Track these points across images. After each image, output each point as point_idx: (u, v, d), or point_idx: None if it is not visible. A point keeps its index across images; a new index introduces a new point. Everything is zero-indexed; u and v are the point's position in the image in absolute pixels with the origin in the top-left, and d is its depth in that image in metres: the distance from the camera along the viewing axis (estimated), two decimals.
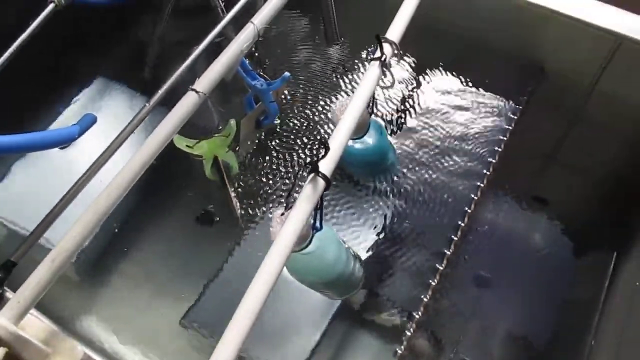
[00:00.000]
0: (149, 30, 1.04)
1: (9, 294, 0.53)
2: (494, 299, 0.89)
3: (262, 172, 0.84)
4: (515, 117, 0.84)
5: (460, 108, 0.88)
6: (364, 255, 0.76)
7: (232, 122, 0.79)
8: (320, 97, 0.91)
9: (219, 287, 0.77)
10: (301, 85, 0.92)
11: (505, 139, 0.82)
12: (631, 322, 0.71)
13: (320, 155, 0.48)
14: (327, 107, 0.89)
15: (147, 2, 1.04)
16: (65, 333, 0.50)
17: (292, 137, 0.86)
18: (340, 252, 0.64)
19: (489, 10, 0.84)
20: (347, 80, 0.92)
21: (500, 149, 0.81)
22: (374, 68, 0.57)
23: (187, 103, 0.54)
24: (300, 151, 0.85)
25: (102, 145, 0.61)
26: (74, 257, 0.45)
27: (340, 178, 0.82)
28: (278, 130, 0.87)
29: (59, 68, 1.03)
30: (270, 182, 0.83)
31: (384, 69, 0.57)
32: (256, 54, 0.85)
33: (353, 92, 0.78)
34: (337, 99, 0.90)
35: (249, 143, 0.85)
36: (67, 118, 1.01)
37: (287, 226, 0.44)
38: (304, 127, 0.87)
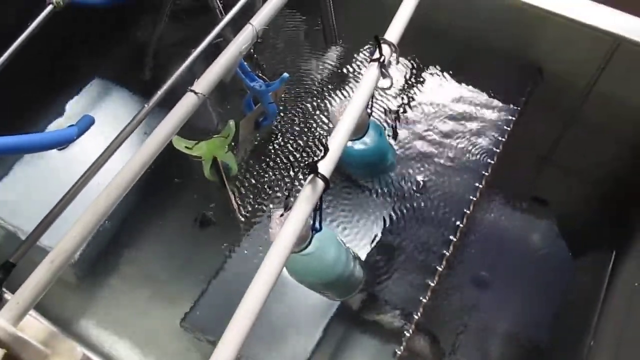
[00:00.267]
0: (148, 31, 1.04)
1: (7, 295, 0.53)
2: (492, 299, 0.89)
3: (262, 173, 0.84)
4: (514, 118, 0.84)
5: (458, 109, 0.88)
6: (363, 256, 0.76)
7: (231, 122, 0.79)
8: (319, 98, 0.91)
9: (219, 288, 0.77)
10: (300, 87, 0.92)
11: (503, 139, 0.82)
12: (630, 323, 0.71)
13: (319, 156, 0.48)
14: (326, 108, 0.89)
15: (146, 3, 1.04)
16: (64, 334, 0.50)
17: (292, 138, 0.86)
18: (339, 253, 0.64)
19: (487, 12, 0.84)
20: (346, 82, 0.92)
21: (498, 150, 0.81)
22: (372, 69, 0.57)
23: (186, 104, 0.54)
24: (299, 152, 0.85)
25: (100, 146, 0.61)
26: (73, 258, 0.45)
27: (340, 179, 0.82)
28: (277, 131, 0.87)
29: (57, 69, 1.03)
30: (270, 182, 0.83)
31: (383, 69, 0.57)
32: (255, 56, 0.85)
33: (352, 93, 0.79)
34: (336, 100, 0.90)
35: (248, 144, 0.85)
36: (65, 119, 1.01)
37: (286, 227, 0.44)
38: (303, 128, 0.87)
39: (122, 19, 1.07)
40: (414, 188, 0.81)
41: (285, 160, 0.85)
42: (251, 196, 0.82)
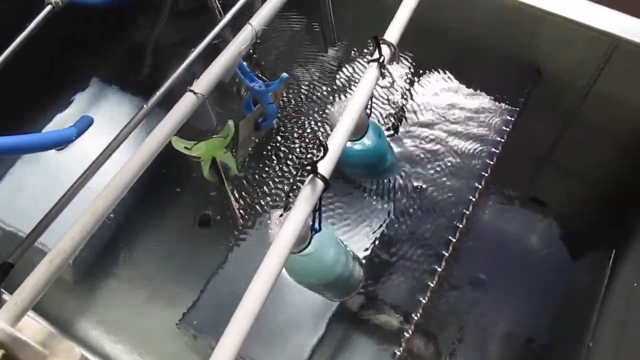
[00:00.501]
0: (147, 31, 1.04)
1: (6, 295, 0.53)
2: (492, 300, 0.89)
3: (261, 173, 0.84)
4: (513, 119, 0.84)
5: (458, 109, 0.88)
6: (362, 257, 0.76)
7: (230, 122, 0.78)
8: (319, 99, 0.91)
9: (217, 288, 0.77)
10: (299, 87, 0.92)
11: (502, 140, 0.82)
12: (629, 323, 0.71)
13: (319, 156, 0.48)
14: (326, 109, 0.89)
15: (145, 3, 1.04)
16: (62, 335, 0.50)
17: (291, 138, 0.86)
18: (339, 254, 0.64)
19: (486, 12, 0.84)
20: (345, 82, 0.92)
21: (498, 151, 0.81)
22: (372, 69, 0.57)
23: (185, 104, 0.54)
24: (299, 152, 0.85)
25: (99, 147, 0.61)
26: (71, 258, 0.45)
27: (339, 180, 0.82)
28: (276, 131, 0.87)
29: (56, 69, 1.03)
30: (269, 183, 0.83)
31: (382, 70, 0.57)
32: (254, 56, 0.85)
33: (351, 93, 0.78)
34: (335, 100, 0.90)
35: (248, 145, 0.85)
36: (64, 120, 1.01)
37: (286, 227, 0.44)
38: (302, 129, 0.87)
39: (121, 20, 1.07)
40: (413, 189, 0.81)
41: (284, 161, 0.84)
42: (250, 196, 0.82)
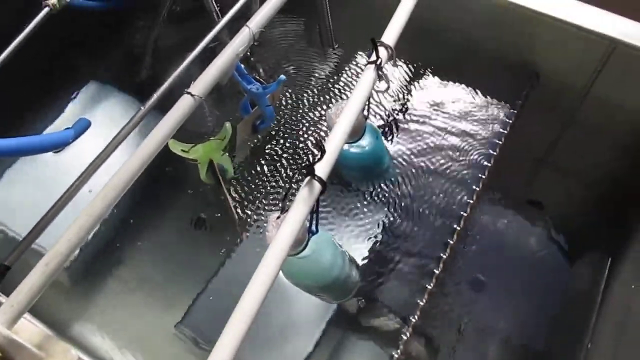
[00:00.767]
0: (145, 34, 1.04)
1: (2, 298, 0.53)
2: (490, 302, 0.89)
3: (258, 175, 0.84)
4: (511, 121, 0.84)
5: (455, 112, 0.88)
6: (359, 259, 0.76)
7: (228, 124, 0.79)
8: (316, 101, 0.91)
9: (214, 291, 0.77)
10: (297, 89, 0.92)
11: (500, 142, 0.82)
12: (628, 325, 0.71)
13: (316, 158, 0.48)
14: (323, 111, 0.89)
15: (143, 6, 1.04)
16: (59, 337, 0.50)
17: (288, 140, 0.86)
18: (336, 256, 0.64)
19: (484, 14, 0.84)
20: (342, 84, 0.92)
21: (495, 153, 0.81)
22: (369, 71, 0.57)
23: (182, 106, 0.54)
24: (296, 155, 0.85)
25: (96, 149, 0.61)
26: (68, 261, 0.44)
27: (336, 182, 0.82)
28: (274, 133, 0.87)
29: (54, 71, 1.03)
30: (267, 185, 0.83)
31: (380, 72, 0.57)
32: (252, 58, 0.85)
33: (349, 95, 0.78)
34: (332, 102, 0.90)
35: (246, 148, 0.85)
36: (61, 122, 1.01)
37: (283, 229, 0.44)
38: (299, 131, 0.87)
39: (119, 22, 1.07)
40: (411, 191, 0.81)
41: (282, 163, 0.84)
42: (248, 199, 0.82)
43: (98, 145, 0.61)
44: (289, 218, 0.45)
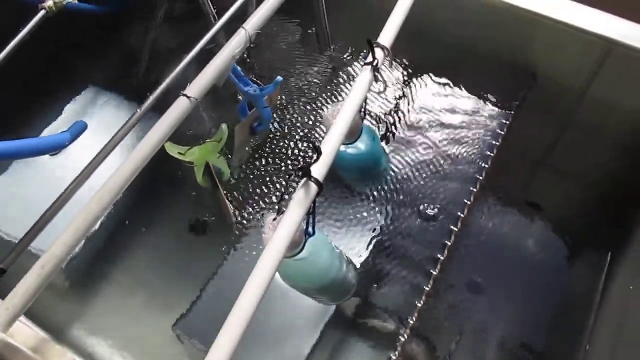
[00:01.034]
0: (141, 36, 1.04)
1: None
2: (488, 304, 0.89)
3: (255, 177, 0.84)
4: (508, 122, 0.84)
5: (452, 113, 0.88)
6: (356, 261, 0.76)
7: (224, 126, 0.78)
8: (313, 102, 0.91)
9: (212, 294, 0.77)
10: (293, 91, 0.92)
11: (497, 143, 0.82)
12: (626, 326, 0.71)
13: (312, 160, 0.47)
14: (320, 112, 0.89)
15: (139, 9, 1.04)
16: (55, 341, 0.50)
17: (285, 142, 0.86)
18: (333, 258, 0.64)
19: (480, 16, 0.84)
20: (339, 85, 0.92)
21: (492, 154, 0.81)
22: (365, 73, 0.57)
23: (178, 108, 0.54)
24: (293, 156, 0.85)
25: (93, 152, 0.61)
26: (63, 263, 0.44)
27: (333, 184, 0.82)
28: (270, 135, 0.87)
29: (51, 74, 1.03)
30: (263, 187, 0.83)
31: (376, 73, 0.57)
32: (248, 60, 0.85)
33: (345, 97, 0.78)
34: (329, 104, 0.90)
35: (243, 150, 0.85)
36: (58, 125, 1.01)
37: (279, 231, 0.44)
38: (296, 133, 0.87)
39: (116, 24, 1.07)
40: (407, 192, 0.81)
41: (278, 164, 0.84)
42: (245, 201, 0.82)
43: (94, 148, 0.61)
44: (285, 220, 0.45)
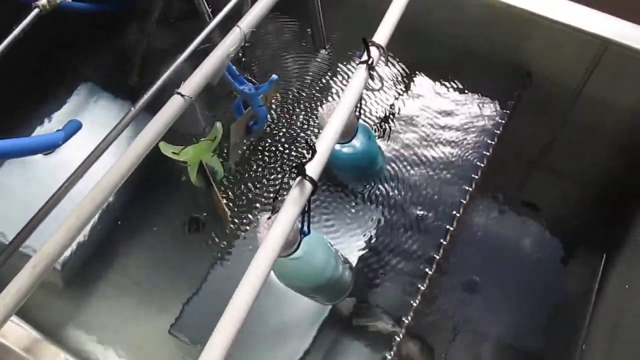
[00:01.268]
0: (136, 35, 1.03)
1: None
2: (483, 304, 0.89)
3: (250, 176, 0.84)
4: (503, 122, 0.84)
5: (448, 112, 0.88)
6: (352, 260, 0.76)
7: (218, 124, 0.78)
8: (308, 101, 0.90)
9: (207, 294, 0.77)
10: (289, 89, 0.92)
11: (493, 143, 0.82)
12: (622, 325, 0.71)
13: (307, 158, 0.47)
14: (315, 111, 0.89)
15: (134, 7, 1.04)
16: (48, 341, 0.49)
17: (280, 141, 0.86)
18: (328, 257, 0.64)
19: (476, 15, 0.84)
20: (334, 84, 0.92)
21: (488, 154, 0.81)
22: (361, 71, 0.56)
23: (172, 107, 0.53)
24: (288, 155, 0.84)
25: (87, 151, 0.61)
26: (56, 263, 0.44)
27: (329, 182, 0.82)
28: (265, 133, 0.86)
29: (43, 73, 1.03)
30: (258, 186, 0.83)
31: (371, 72, 0.57)
32: (243, 59, 0.85)
33: (340, 95, 0.78)
34: (324, 102, 0.90)
35: (239, 150, 0.84)
36: (51, 124, 1.00)
37: (273, 230, 0.44)
38: (291, 131, 0.87)
39: (110, 22, 1.06)
40: (403, 191, 0.81)
41: (273, 163, 0.84)
42: (240, 200, 0.82)
43: (88, 147, 0.61)
44: (280, 218, 0.44)
